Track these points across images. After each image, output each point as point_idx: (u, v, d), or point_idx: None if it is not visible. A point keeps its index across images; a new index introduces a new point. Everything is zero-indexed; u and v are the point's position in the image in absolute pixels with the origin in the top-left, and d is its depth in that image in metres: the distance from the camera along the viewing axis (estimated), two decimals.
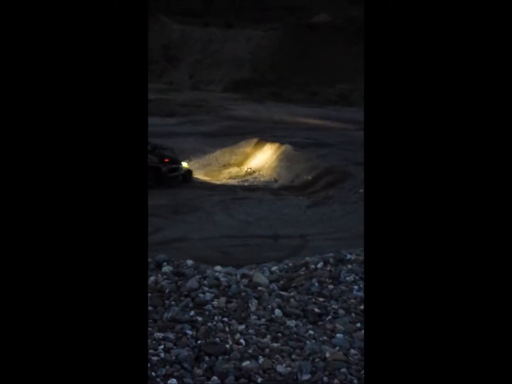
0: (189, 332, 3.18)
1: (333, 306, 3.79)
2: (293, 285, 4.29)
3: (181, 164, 16.25)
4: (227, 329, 3.27)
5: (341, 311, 3.72)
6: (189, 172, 16.76)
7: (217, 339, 3.12)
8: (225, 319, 3.40)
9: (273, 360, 2.96)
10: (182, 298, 3.58)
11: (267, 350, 3.05)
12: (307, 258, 5.22)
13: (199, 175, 19.18)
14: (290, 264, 5.04)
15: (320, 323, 3.56)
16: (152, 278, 3.79)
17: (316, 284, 4.18)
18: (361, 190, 15.64)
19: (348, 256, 4.89)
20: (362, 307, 3.85)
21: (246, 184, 18.83)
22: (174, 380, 2.73)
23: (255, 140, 23.04)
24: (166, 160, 15.50)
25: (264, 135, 23.60)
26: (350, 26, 42.48)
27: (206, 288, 3.78)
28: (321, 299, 3.90)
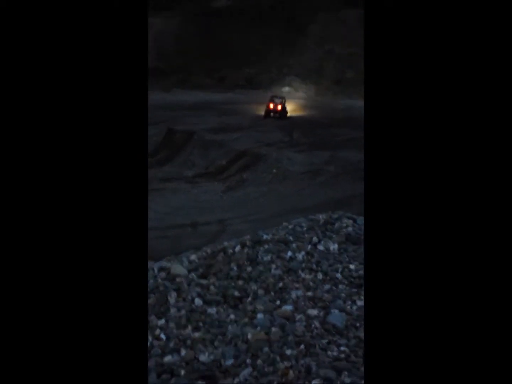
0: None
1: (253, 288, 3.81)
2: (212, 271, 4.26)
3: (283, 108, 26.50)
4: None
5: (260, 291, 3.75)
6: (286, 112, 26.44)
7: None
8: None
9: (196, 350, 2.91)
10: None
11: (188, 342, 2.99)
12: (225, 243, 5.21)
13: None
14: (209, 251, 4.99)
15: (240, 306, 3.57)
16: None
17: (235, 268, 4.19)
18: (274, 170, 15.97)
19: (265, 237, 4.95)
20: (280, 284, 3.92)
21: (160, 174, 18.42)
22: None
23: (165, 128, 22.56)
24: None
25: (174, 123, 23.18)
26: (251, 10, 42.66)
27: None
28: (240, 282, 3.92)
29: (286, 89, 35.16)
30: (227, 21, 42.20)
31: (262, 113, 26.10)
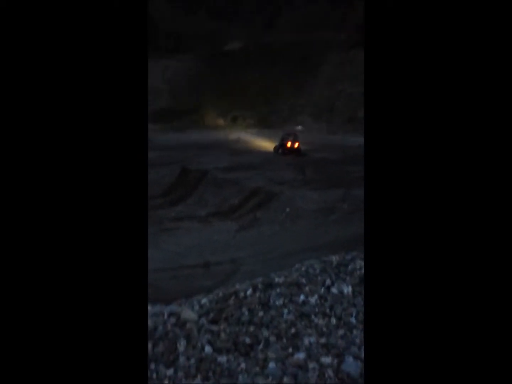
0: None
1: (264, 334, 3.71)
2: (223, 316, 4.17)
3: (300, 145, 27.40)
4: (154, 375, 3.08)
5: (272, 338, 3.64)
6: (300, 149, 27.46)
7: None
8: (152, 365, 3.20)
9: None
10: None
11: None
12: (237, 286, 5.12)
13: None
14: (220, 294, 4.92)
15: (251, 353, 3.46)
16: None
17: (246, 312, 4.09)
18: (288, 209, 15.92)
19: (277, 279, 4.86)
20: (293, 330, 3.81)
21: (173, 214, 18.45)
22: None
23: (178, 168, 22.79)
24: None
25: (188, 163, 23.43)
26: (263, 51, 43.84)
27: None
28: (251, 328, 3.81)
29: (299, 127, 35.58)
30: (240, 62, 43.30)
31: (274, 151, 26.31)
